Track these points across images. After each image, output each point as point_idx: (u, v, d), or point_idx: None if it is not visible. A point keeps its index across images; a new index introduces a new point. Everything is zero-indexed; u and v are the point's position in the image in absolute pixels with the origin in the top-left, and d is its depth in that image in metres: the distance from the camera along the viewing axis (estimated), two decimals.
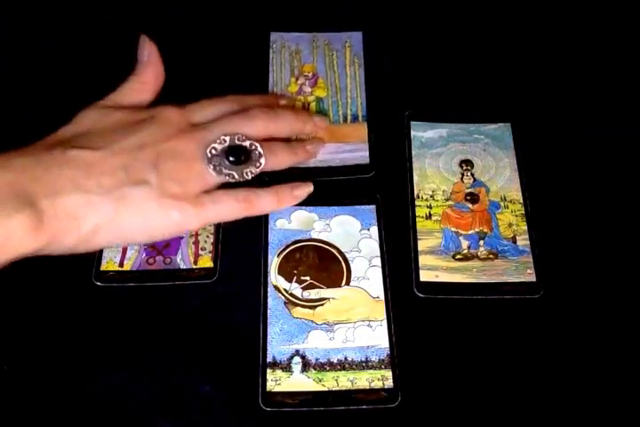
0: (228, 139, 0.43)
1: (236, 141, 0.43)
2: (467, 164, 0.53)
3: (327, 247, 0.49)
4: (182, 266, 0.48)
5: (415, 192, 0.51)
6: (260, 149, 0.44)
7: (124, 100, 0.44)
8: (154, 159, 0.39)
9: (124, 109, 0.42)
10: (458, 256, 0.49)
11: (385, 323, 0.46)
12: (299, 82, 0.57)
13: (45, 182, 0.35)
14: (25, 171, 0.35)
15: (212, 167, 0.42)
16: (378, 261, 0.48)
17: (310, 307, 0.47)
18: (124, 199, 0.37)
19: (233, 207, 0.42)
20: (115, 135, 0.40)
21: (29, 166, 0.35)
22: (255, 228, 0.50)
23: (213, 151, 0.42)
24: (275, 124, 0.46)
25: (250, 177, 0.43)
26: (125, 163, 0.38)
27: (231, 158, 0.42)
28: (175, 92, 0.46)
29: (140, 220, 0.38)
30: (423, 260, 0.48)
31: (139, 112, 0.42)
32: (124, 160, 0.38)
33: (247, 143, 0.43)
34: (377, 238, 0.49)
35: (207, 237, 0.49)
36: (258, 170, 0.44)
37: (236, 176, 0.43)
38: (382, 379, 0.44)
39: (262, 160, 0.44)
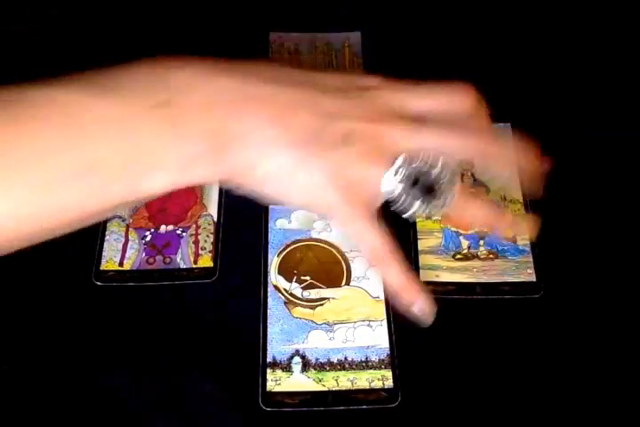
0: (427, 161, 0.34)
1: (434, 168, 0.34)
2: (467, 164, 0.53)
3: (327, 247, 0.49)
4: (182, 265, 0.48)
5: None
6: (452, 186, 0.35)
7: None
8: (346, 134, 0.34)
9: (335, 71, 0.38)
10: (458, 256, 0.49)
11: (385, 323, 0.46)
12: None
13: (239, 117, 0.33)
14: (219, 99, 0.33)
15: (395, 181, 0.34)
16: None
17: (310, 307, 0.47)
18: (301, 162, 0.34)
19: (372, 247, 0.36)
20: (314, 92, 0.35)
21: (226, 94, 0.33)
22: (255, 227, 0.50)
23: (402, 168, 0.34)
24: (491, 161, 0.38)
25: (426, 215, 0.35)
26: (314, 124, 0.34)
27: (417, 187, 0.34)
28: None
29: (300, 187, 0.35)
30: (423, 260, 0.48)
31: (347, 77, 0.37)
32: (314, 121, 0.34)
33: (438, 171, 0.34)
34: None
35: (207, 236, 0.49)
36: (438, 210, 0.35)
37: (410, 209, 0.34)
38: (382, 379, 0.44)
39: (447, 201, 0.34)
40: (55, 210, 0.31)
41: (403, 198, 0.34)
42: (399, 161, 0.34)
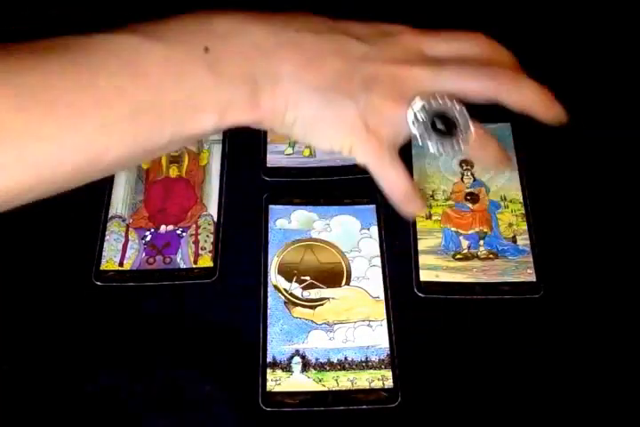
0: (446, 101, 0.36)
1: (454, 107, 0.36)
2: (467, 163, 0.53)
3: (327, 247, 0.49)
4: (182, 265, 0.48)
5: None
6: (471, 126, 0.37)
7: None
8: (371, 77, 0.36)
9: (359, 22, 0.40)
10: (458, 256, 0.49)
11: (385, 323, 0.46)
12: None
13: (273, 63, 0.35)
14: (255, 46, 0.35)
15: (416, 121, 0.36)
16: (378, 261, 0.48)
17: (310, 307, 0.47)
18: (329, 104, 0.36)
19: (393, 183, 0.38)
20: (343, 39, 0.37)
21: (261, 39, 0.36)
22: (255, 227, 0.50)
23: (423, 108, 0.36)
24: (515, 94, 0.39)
25: (445, 153, 0.37)
26: (343, 68, 0.36)
27: (438, 126, 0.36)
28: None
29: (327, 129, 0.37)
30: (423, 260, 0.48)
31: (373, 25, 0.40)
32: (343, 65, 0.36)
33: (458, 110, 0.36)
34: (377, 238, 0.49)
35: (207, 236, 0.49)
36: (459, 149, 0.36)
37: (434, 148, 0.36)
38: (382, 379, 0.44)
39: (467, 138, 0.36)
40: (113, 148, 0.32)
41: (425, 137, 0.36)
42: (420, 101, 0.36)
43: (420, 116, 0.36)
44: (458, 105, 0.36)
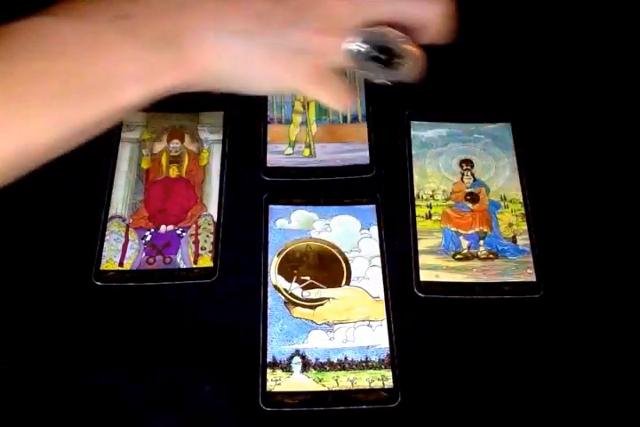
0: (387, 33, 0.35)
1: (395, 39, 0.35)
2: (467, 163, 0.53)
3: (327, 247, 0.49)
4: (182, 265, 0.48)
5: (415, 192, 0.51)
6: (411, 53, 0.36)
7: None
8: (296, 12, 0.35)
9: None
10: (458, 256, 0.49)
11: (385, 323, 0.46)
12: None
13: (190, 16, 0.34)
14: (168, 3, 0.34)
15: (355, 50, 0.35)
16: (378, 261, 0.48)
17: (310, 307, 0.47)
18: (256, 47, 0.35)
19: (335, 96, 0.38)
20: None
21: None
22: (255, 227, 0.50)
23: (359, 36, 0.35)
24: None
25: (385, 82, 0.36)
26: (265, 7, 0.35)
27: (380, 56, 0.35)
28: None
29: (260, 73, 0.36)
30: (423, 260, 0.48)
31: None
32: (264, 3, 0.35)
33: (394, 36, 0.35)
34: (377, 238, 0.49)
35: (207, 236, 0.49)
36: (403, 73, 0.36)
37: (374, 75, 0.36)
38: (382, 379, 0.44)
39: (409, 63, 0.36)
40: (43, 134, 0.32)
41: (365, 65, 0.35)
42: (353, 33, 0.35)
43: (356, 46, 0.35)
44: (391, 32, 0.35)
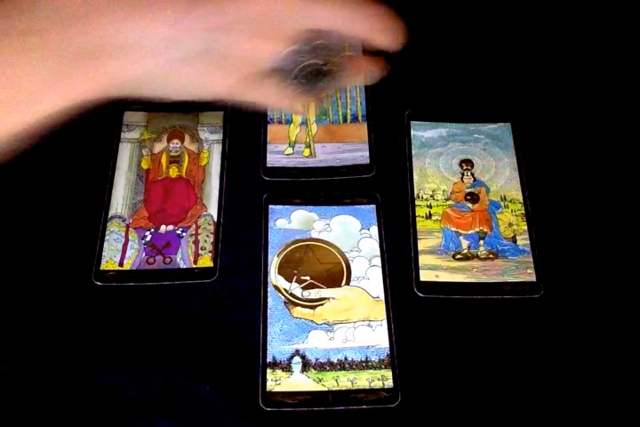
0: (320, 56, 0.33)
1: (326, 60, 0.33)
2: (467, 163, 0.53)
3: (327, 247, 0.49)
4: (182, 265, 0.48)
5: (415, 192, 0.51)
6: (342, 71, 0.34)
7: None
8: (224, 10, 0.32)
9: None
10: (458, 256, 0.49)
11: (385, 323, 0.46)
12: None
13: (96, 26, 0.31)
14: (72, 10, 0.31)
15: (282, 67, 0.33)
16: (378, 261, 0.48)
17: (310, 307, 0.47)
18: (183, 57, 0.33)
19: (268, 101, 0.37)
20: None
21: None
22: (255, 227, 0.50)
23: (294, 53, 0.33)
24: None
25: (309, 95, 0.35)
26: (182, 10, 0.32)
27: (309, 76, 0.33)
28: None
29: (183, 80, 0.34)
30: (423, 260, 0.48)
31: None
32: (182, 5, 0.32)
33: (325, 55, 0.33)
34: (377, 238, 0.49)
35: (207, 236, 0.49)
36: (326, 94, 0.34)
37: (298, 89, 0.34)
38: (382, 379, 0.44)
39: (331, 85, 0.34)
40: None
41: (290, 79, 0.34)
42: (290, 46, 0.32)
43: (291, 58, 0.33)
44: (328, 46, 0.33)
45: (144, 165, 0.53)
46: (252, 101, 0.36)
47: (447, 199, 0.51)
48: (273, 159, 0.53)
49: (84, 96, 0.32)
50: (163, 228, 0.50)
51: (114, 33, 0.31)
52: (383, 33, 0.35)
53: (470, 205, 0.51)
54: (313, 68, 0.33)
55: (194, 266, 0.48)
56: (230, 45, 0.33)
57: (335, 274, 0.48)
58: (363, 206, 0.51)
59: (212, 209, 0.51)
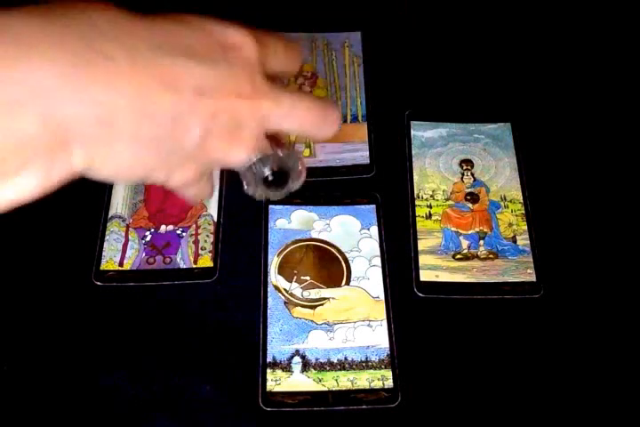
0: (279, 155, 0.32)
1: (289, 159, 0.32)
2: (467, 163, 0.53)
3: (327, 247, 0.49)
4: (182, 265, 0.48)
5: (415, 192, 0.51)
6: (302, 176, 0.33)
7: None
8: (207, 118, 0.29)
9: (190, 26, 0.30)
10: (458, 256, 0.49)
11: (385, 323, 0.46)
12: (298, 81, 0.57)
13: (69, 109, 0.26)
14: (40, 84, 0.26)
15: (247, 171, 0.32)
16: (378, 261, 0.48)
17: (310, 307, 0.47)
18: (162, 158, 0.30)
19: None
20: (177, 60, 0.28)
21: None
22: (255, 227, 0.50)
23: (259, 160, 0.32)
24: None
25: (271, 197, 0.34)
26: (176, 111, 0.28)
27: (270, 179, 0.32)
28: None
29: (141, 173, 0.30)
30: (423, 260, 0.48)
31: (209, 30, 0.31)
32: (175, 106, 0.28)
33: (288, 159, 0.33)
34: (377, 238, 0.49)
35: (207, 236, 0.49)
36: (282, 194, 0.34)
37: (256, 191, 0.33)
38: (382, 379, 0.44)
39: (293, 186, 0.34)
40: None
41: (253, 186, 0.33)
42: (255, 155, 0.31)
43: (254, 168, 0.32)
44: (293, 156, 0.33)
45: None
46: (185, 193, 0.34)
47: (447, 199, 0.51)
48: None
49: (40, 185, 0.28)
50: (163, 228, 0.50)
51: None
52: (325, 126, 0.34)
53: (470, 205, 0.51)
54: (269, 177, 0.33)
55: (194, 266, 0.48)
56: (204, 144, 0.30)
57: (335, 274, 0.48)
58: (363, 206, 0.51)
59: (212, 209, 0.51)
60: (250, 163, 0.31)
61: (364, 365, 0.44)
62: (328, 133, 0.34)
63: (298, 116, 0.32)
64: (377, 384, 0.44)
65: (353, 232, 0.50)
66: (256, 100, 0.30)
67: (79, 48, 0.26)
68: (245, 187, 0.33)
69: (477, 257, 0.49)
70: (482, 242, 0.49)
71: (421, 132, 0.54)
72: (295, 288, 0.47)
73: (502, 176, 0.52)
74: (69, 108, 0.26)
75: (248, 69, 0.30)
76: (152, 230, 0.50)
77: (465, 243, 0.49)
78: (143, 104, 0.27)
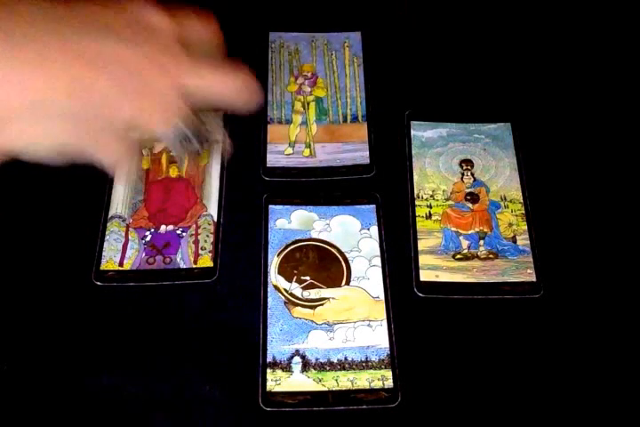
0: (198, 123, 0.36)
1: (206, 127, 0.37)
2: (467, 163, 0.53)
3: (327, 247, 0.49)
4: (182, 265, 0.48)
5: (415, 192, 0.51)
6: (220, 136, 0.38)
7: None
8: (134, 94, 0.32)
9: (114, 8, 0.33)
10: (458, 256, 0.49)
11: (385, 323, 0.46)
12: (298, 82, 0.57)
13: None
14: None
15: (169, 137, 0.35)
16: (378, 261, 0.48)
17: (310, 307, 0.47)
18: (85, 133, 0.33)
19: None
20: (107, 39, 0.31)
21: None
22: (255, 227, 0.50)
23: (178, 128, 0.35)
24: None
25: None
26: (106, 88, 0.31)
27: (192, 139, 0.36)
28: None
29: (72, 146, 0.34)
30: (423, 260, 0.48)
31: (129, 14, 0.33)
32: (108, 82, 0.31)
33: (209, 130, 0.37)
34: (377, 238, 0.49)
35: (207, 236, 0.49)
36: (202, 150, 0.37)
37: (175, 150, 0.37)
38: (382, 379, 0.44)
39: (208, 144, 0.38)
40: None
41: (175, 147, 0.36)
42: (175, 123, 0.35)
43: (174, 131, 0.35)
44: (211, 121, 0.37)
45: (144, 165, 0.53)
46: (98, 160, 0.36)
47: (447, 199, 0.51)
48: (273, 159, 0.53)
49: None
50: (163, 228, 0.50)
51: None
52: (246, 95, 0.36)
53: (470, 205, 0.51)
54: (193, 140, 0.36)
55: (194, 266, 0.48)
56: (121, 110, 0.32)
57: (335, 274, 0.48)
58: (363, 206, 0.51)
59: (212, 209, 0.51)
60: (175, 132, 0.35)
61: (364, 365, 0.44)
62: (250, 103, 0.36)
63: (219, 87, 0.35)
64: (377, 384, 0.44)
65: (353, 232, 0.50)
66: (178, 74, 0.33)
67: (9, 35, 0.28)
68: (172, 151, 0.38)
69: (477, 257, 0.49)
70: (482, 242, 0.49)
71: (421, 132, 0.54)
72: (295, 288, 0.47)
73: (502, 176, 0.52)
74: (3, 91, 0.28)
75: (168, 45, 0.33)
76: (152, 230, 0.50)
77: (465, 243, 0.49)
78: (74, 85, 0.29)
